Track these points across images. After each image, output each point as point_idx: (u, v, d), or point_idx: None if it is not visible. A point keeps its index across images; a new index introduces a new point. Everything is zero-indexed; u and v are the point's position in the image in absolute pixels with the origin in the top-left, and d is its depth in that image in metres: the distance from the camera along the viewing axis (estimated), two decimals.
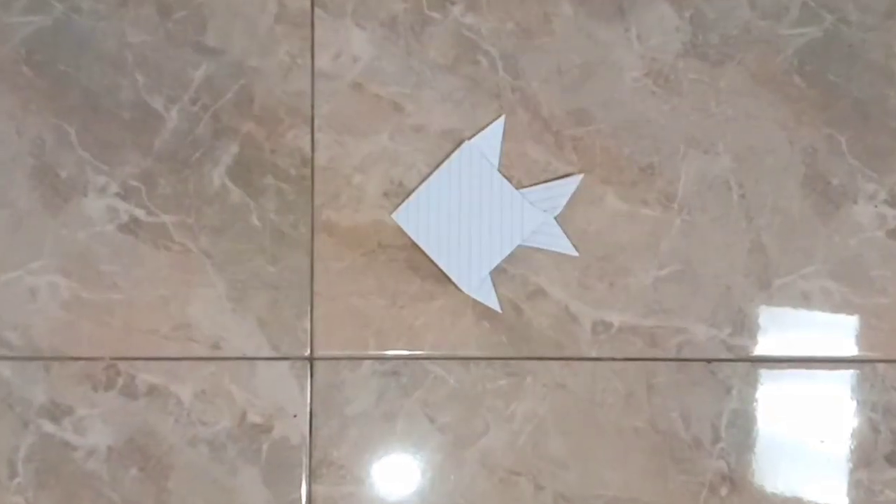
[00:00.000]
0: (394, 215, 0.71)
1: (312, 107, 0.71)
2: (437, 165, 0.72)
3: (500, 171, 0.71)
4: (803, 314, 0.72)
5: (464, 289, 0.70)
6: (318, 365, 0.70)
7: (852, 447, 0.71)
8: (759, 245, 0.72)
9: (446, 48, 0.72)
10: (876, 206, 0.72)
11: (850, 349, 0.72)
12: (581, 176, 0.72)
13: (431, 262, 0.71)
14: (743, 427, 0.72)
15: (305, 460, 0.69)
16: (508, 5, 0.72)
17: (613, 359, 0.71)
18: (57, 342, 0.69)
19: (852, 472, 0.71)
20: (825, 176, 0.73)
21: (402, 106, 0.72)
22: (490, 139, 0.71)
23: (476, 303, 0.71)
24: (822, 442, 0.72)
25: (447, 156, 0.72)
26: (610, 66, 0.73)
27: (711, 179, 0.73)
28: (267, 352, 0.70)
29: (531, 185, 0.72)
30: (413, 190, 0.71)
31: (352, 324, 0.70)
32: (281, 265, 0.71)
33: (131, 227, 0.71)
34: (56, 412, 0.69)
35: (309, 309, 0.70)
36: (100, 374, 0.70)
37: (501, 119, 0.72)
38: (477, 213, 0.70)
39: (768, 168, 0.73)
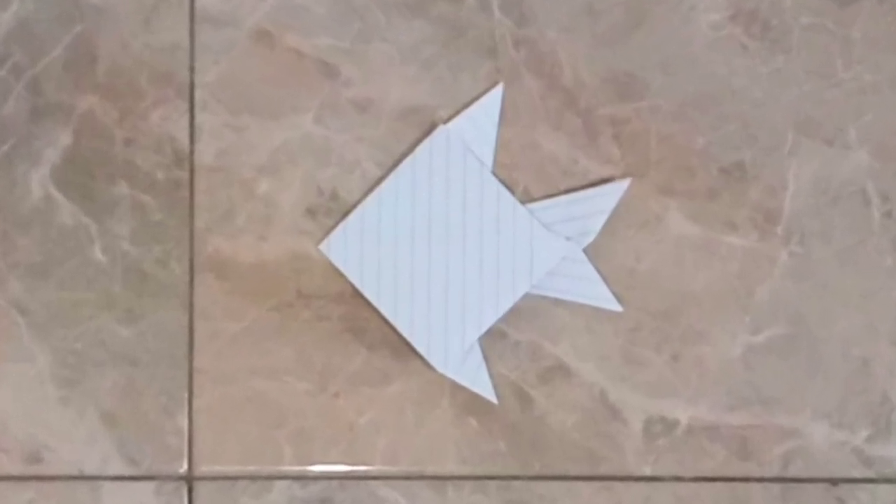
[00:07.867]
0: (322, 246, 0.61)
1: (192, 70, 0.62)
2: (395, 164, 0.62)
3: (494, 173, 0.62)
4: None
5: (437, 365, 0.61)
6: (201, 488, 0.61)
7: None
8: None
9: None
10: None
11: None
12: (626, 182, 0.62)
13: (385, 321, 0.62)
14: None
15: None
16: None
17: (679, 478, 0.62)
18: None
19: None
20: None
21: (336, 68, 0.63)
22: (480, 123, 0.62)
23: (456, 388, 0.62)
24: None
25: (411, 149, 0.62)
26: (673, 4, 0.64)
27: (838, 188, 0.63)
28: (118, 467, 0.61)
29: (546, 197, 0.62)
30: (354, 205, 0.62)
31: (255, 422, 0.61)
32: (141, 326, 0.61)
33: None
34: None
35: (186, 397, 0.61)
36: None
37: (498, 90, 0.62)
38: (459, 243, 0.61)
39: None
